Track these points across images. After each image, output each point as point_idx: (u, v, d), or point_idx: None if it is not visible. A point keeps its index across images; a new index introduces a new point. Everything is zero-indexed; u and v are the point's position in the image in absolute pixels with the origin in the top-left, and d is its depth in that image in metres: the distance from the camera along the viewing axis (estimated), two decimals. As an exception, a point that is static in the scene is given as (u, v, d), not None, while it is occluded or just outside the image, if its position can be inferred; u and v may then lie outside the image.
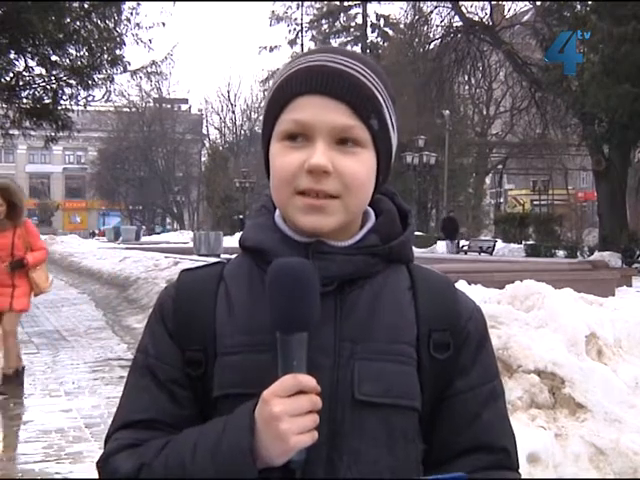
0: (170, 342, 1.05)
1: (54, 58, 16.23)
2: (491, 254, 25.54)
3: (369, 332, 1.01)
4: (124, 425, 1.03)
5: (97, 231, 59.16)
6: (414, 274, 1.08)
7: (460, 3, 30.54)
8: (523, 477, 1.07)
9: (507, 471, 1.03)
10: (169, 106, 64.63)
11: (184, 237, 40.84)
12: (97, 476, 1.03)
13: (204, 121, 66.95)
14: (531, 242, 28.67)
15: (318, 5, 53.58)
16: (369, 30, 53.60)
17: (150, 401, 1.03)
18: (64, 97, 16.67)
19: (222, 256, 20.11)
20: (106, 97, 18.48)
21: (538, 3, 26.61)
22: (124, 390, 1.07)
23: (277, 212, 1.07)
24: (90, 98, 17.62)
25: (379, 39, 53.80)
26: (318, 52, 1.04)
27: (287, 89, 1.01)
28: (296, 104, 1.00)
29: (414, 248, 1.11)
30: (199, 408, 1.03)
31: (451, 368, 1.04)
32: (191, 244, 26.06)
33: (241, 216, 42.58)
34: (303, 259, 0.96)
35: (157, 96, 61.41)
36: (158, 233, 50.94)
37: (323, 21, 54.84)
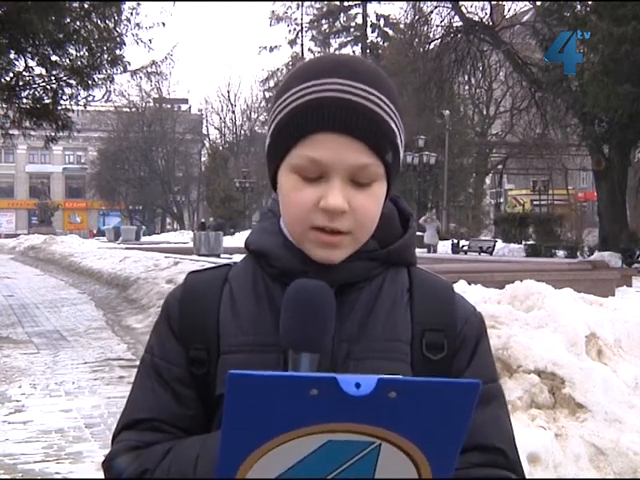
0: (175, 342, 1.06)
1: (54, 58, 16.22)
2: (491, 254, 25.57)
3: (366, 332, 1.02)
4: (129, 424, 1.05)
5: (89, 232, 58.17)
6: (413, 277, 1.08)
7: (460, 3, 30.51)
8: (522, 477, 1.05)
9: (502, 470, 1.00)
10: (169, 106, 64.60)
11: (184, 237, 40.89)
12: (98, 476, 1.05)
13: (204, 121, 67.03)
14: (531, 242, 28.69)
15: (318, 5, 53.71)
16: (369, 30, 53.73)
17: (154, 400, 1.05)
18: (64, 97, 16.67)
19: (222, 256, 20.12)
20: (106, 97, 18.54)
21: (538, 3, 26.59)
22: (131, 389, 1.09)
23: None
24: (90, 98, 17.64)
25: (379, 39, 53.92)
26: (331, 72, 0.98)
27: (303, 122, 0.97)
28: (312, 140, 0.96)
29: None
30: (203, 407, 1.05)
31: (445, 370, 1.03)
32: (191, 244, 26.08)
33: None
34: (323, 283, 0.96)
35: (157, 96, 61.47)
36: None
37: (323, 21, 54.96)
